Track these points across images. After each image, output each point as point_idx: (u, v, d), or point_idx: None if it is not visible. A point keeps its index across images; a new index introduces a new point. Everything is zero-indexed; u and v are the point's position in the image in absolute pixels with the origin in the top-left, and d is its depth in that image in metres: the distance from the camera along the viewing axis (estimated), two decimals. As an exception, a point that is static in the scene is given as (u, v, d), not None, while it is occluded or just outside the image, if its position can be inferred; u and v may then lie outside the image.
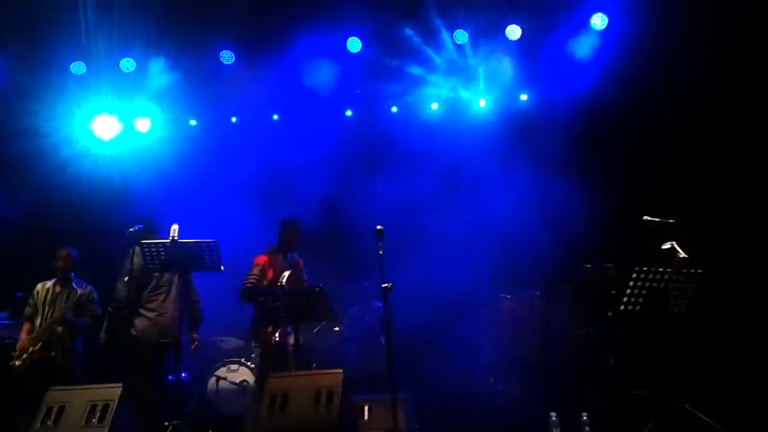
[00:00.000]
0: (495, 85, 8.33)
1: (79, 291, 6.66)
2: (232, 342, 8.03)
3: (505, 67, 8.22)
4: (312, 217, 7.66)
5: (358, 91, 8.63)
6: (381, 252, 5.26)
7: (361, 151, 8.60)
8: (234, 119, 8.88)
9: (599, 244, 7.29)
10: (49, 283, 6.77)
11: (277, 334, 6.08)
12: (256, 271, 6.26)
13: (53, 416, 4.87)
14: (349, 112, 8.79)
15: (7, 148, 8.15)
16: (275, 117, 8.86)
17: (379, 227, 5.33)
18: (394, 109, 8.66)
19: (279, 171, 8.44)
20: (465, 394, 6.98)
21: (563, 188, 7.52)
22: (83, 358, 6.68)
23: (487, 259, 7.66)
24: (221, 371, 7.55)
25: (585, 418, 5.58)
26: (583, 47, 7.92)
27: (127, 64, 8.23)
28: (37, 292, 6.72)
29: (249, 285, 6.18)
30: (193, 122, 8.84)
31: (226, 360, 7.69)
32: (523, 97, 8.42)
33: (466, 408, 6.78)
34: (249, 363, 7.54)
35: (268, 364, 6.06)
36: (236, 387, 7.47)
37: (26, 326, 6.64)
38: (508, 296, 7.63)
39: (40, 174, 8.24)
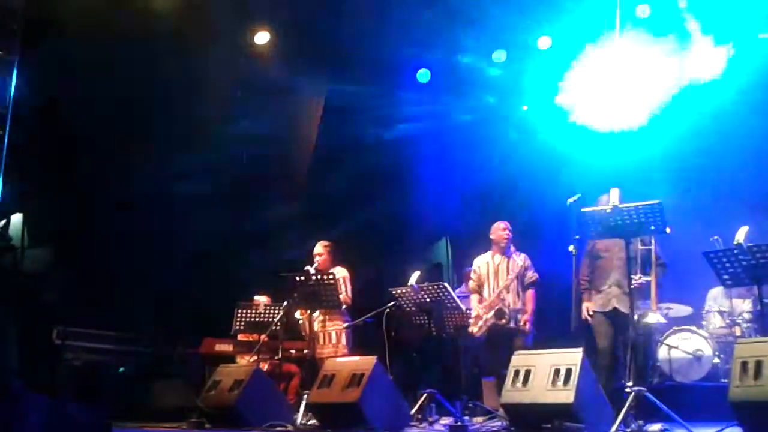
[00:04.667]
0: None
1: (518, 259, 6.96)
2: (679, 309, 7.69)
3: None
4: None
5: None
6: None
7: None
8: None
9: None
10: (486, 257, 7.12)
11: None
12: None
13: (521, 378, 5.21)
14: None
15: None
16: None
17: None
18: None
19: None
20: None
21: None
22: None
23: None
24: (671, 339, 7.28)
25: None
26: None
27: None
28: (479, 266, 7.13)
29: None
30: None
31: (676, 328, 7.39)
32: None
33: None
34: (701, 331, 7.11)
35: None
36: (690, 356, 7.13)
37: (476, 297, 7.10)
38: None
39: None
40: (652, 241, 6.10)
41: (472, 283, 7.18)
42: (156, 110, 8.78)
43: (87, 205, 8.62)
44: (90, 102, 8.23)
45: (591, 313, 6.33)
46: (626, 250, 5.70)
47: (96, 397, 7.31)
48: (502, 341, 6.74)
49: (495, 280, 6.96)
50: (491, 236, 7.10)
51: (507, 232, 7.02)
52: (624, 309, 5.99)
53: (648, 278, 5.98)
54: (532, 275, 6.97)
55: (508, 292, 6.88)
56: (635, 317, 5.79)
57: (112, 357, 8.13)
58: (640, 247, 6.07)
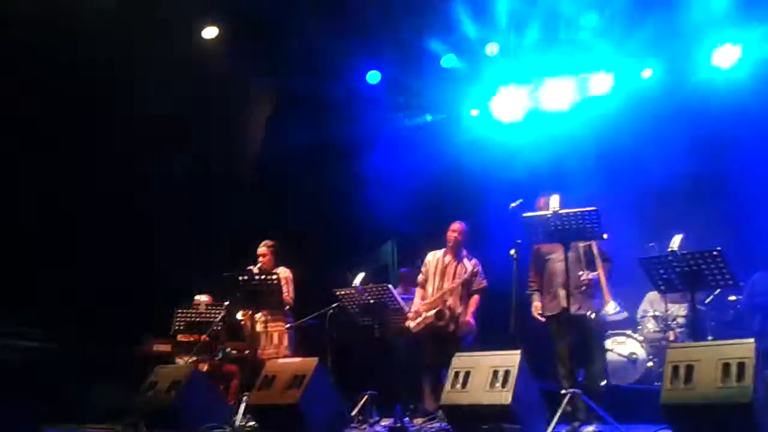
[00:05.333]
0: None
1: (468, 264, 7.00)
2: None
3: None
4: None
5: None
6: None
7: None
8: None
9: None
10: (439, 253, 7.13)
11: None
12: None
13: (461, 379, 5.25)
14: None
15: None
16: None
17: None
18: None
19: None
20: None
21: None
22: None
23: None
24: (607, 343, 7.43)
25: None
26: None
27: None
28: (429, 261, 7.16)
29: None
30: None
31: (611, 332, 7.55)
32: None
33: None
34: (636, 335, 7.28)
35: None
36: (625, 359, 7.29)
37: (420, 292, 7.13)
38: None
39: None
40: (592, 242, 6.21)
41: (420, 276, 7.18)
42: (98, 107, 8.60)
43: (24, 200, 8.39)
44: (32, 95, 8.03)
45: (540, 312, 6.34)
46: (565, 254, 5.82)
47: (27, 396, 7.10)
48: (442, 343, 6.76)
49: (440, 280, 6.96)
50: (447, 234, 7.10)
51: (455, 234, 6.99)
52: (572, 309, 6.02)
53: (595, 274, 6.05)
54: (480, 282, 6.95)
55: (451, 294, 6.90)
56: (592, 315, 5.90)
57: (44, 354, 7.92)
58: (581, 244, 6.14)
